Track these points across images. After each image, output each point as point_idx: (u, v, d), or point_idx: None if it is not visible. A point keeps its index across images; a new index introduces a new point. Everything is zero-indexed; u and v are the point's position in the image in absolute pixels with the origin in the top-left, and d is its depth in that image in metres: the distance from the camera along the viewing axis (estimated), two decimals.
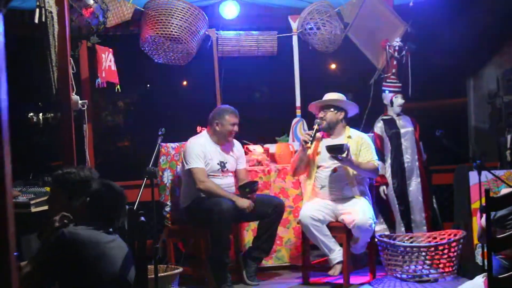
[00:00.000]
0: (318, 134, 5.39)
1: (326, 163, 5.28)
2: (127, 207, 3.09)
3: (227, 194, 5.21)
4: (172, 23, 5.69)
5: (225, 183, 5.33)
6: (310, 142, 5.22)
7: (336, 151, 5.06)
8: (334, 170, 5.26)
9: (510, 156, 5.91)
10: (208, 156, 5.27)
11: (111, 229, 3.00)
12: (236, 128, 5.36)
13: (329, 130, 5.37)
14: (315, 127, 5.31)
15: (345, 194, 5.26)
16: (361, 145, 5.29)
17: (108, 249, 2.89)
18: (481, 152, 6.63)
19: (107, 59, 5.50)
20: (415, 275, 5.19)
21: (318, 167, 5.34)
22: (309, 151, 5.35)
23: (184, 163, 5.28)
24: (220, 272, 5.07)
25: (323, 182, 5.31)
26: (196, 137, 5.46)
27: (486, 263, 3.06)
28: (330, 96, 5.41)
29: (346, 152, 5.05)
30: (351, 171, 5.23)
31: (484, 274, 3.50)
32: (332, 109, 5.33)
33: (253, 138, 6.17)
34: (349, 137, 5.32)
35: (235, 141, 5.54)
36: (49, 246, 2.86)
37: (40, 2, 4.21)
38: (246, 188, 5.24)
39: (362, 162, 5.22)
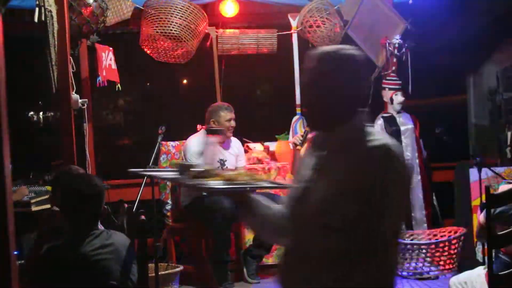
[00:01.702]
0: (310, 135, 5.44)
1: None
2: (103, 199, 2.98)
3: None
4: (172, 22, 5.69)
5: None
6: (300, 144, 5.28)
7: None
8: None
9: (510, 153, 5.91)
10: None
11: (97, 228, 2.91)
12: (233, 123, 5.37)
13: None
14: (307, 128, 5.37)
15: None
16: None
17: (97, 260, 2.82)
18: (480, 149, 6.63)
19: (107, 58, 5.50)
20: (416, 272, 5.19)
21: None
22: (302, 152, 5.40)
23: (186, 161, 5.29)
24: (221, 270, 5.08)
25: None
26: (195, 135, 5.46)
27: (486, 260, 3.06)
28: None
29: None
30: None
31: (485, 267, 3.52)
32: None
33: (253, 136, 6.17)
34: None
35: (234, 139, 5.54)
36: (32, 264, 2.85)
37: (40, 1, 4.21)
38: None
39: None
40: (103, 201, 2.95)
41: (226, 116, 5.33)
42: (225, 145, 5.43)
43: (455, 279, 3.78)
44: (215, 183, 2.04)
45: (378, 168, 1.91)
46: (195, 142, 5.35)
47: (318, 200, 1.95)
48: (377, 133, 2.08)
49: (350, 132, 2.03)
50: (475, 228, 5.17)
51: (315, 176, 2.02)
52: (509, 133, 5.96)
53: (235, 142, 5.54)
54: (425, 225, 5.96)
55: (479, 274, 3.61)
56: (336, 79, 2.02)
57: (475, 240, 5.18)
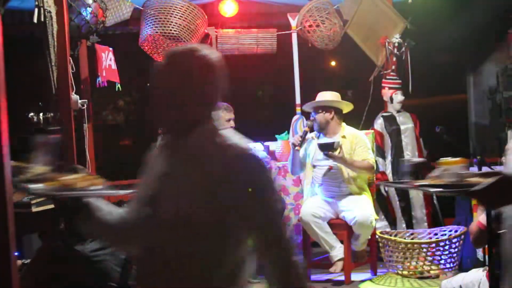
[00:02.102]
0: (310, 135, 5.44)
1: (321, 162, 5.31)
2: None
3: None
4: (171, 22, 5.69)
5: None
6: (299, 145, 5.29)
7: (327, 148, 5.11)
8: (329, 169, 5.29)
9: None
10: None
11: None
12: (232, 123, 5.36)
13: (322, 131, 5.41)
14: (305, 129, 5.38)
15: (343, 191, 5.28)
16: (355, 144, 5.32)
17: (97, 265, 2.82)
18: (481, 148, 6.63)
19: (107, 58, 5.50)
20: (416, 271, 5.19)
21: (314, 166, 5.37)
22: (301, 153, 5.40)
23: None
24: None
25: (319, 181, 5.34)
26: None
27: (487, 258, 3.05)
28: (320, 96, 5.46)
29: (338, 150, 5.11)
30: (345, 168, 5.25)
31: (484, 267, 3.48)
32: (320, 111, 5.38)
33: (252, 136, 6.16)
34: (344, 136, 5.34)
35: None
36: (39, 259, 2.85)
37: (39, 2, 4.21)
38: None
39: (356, 160, 5.25)
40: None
41: (225, 116, 5.33)
42: None
43: (448, 283, 3.68)
44: (37, 187, 1.93)
45: (241, 172, 1.90)
46: None
47: (175, 205, 1.90)
48: (232, 136, 2.03)
49: (205, 135, 1.99)
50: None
51: (170, 180, 1.96)
52: (509, 132, 5.95)
53: None
54: (426, 224, 5.97)
55: (475, 277, 3.50)
56: (190, 80, 1.96)
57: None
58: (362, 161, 5.26)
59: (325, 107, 5.39)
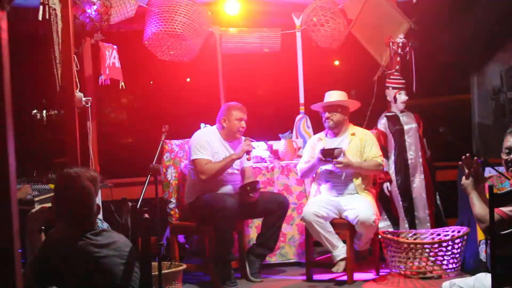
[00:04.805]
0: (317, 136, 5.47)
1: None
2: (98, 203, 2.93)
3: (227, 160, 5.21)
4: (176, 20, 5.70)
5: (231, 180, 5.34)
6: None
7: (328, 155, 5.10)
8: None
9: None
10: (214, 149, 5.27)
11: (96, 227, 2.87)
12: (243, 124, 5.36)
13: (335, 129, 5.39)
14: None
15: (349, 190, 5.28)
16: (365, 142, 5.32)
17: (101, 261, 2.79)
18: (484, 148, 6.62)
19: (111, 56, 5.50)
20: (419, 271, 5.19)
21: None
22: (310, 156, 5.43)
23: (190, 154, 5.30)
24: (224, 269, 5.08)
25: (327, 177, 5.33)
26: (203, 129, 5.50)
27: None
28: (335, 95, 5.43)
29: (342, 156, 5.10)
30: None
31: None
32: (340, 110, 5.36)
33: (256, 135, 6.17)
34: (353, 134, 5.35)
35: (243, 138, 5.53)
36: (37, 258, 2.83)
37: (44, 0, 4.22)
38: (248, 188, 5.24)
39: (363, 162, 5.25)
40: (91, 201, 2.88)
41: (237, 115, 5.33)
42: (234, 145, 5.42)
43: (448, 285, 3.53)
44: None
45: None
46: (200, 134, 5.37)
47: None
48: None
49: None
50: (478, 228, 5.16)
51: None
52: None
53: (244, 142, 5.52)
54: (428, 224, 5.96)
55: (481, 282, 3.39)
56: None
57: (480, 239, 5.17)
58: (369, 161, 5.27)
59: (343, 107, 5.39)
